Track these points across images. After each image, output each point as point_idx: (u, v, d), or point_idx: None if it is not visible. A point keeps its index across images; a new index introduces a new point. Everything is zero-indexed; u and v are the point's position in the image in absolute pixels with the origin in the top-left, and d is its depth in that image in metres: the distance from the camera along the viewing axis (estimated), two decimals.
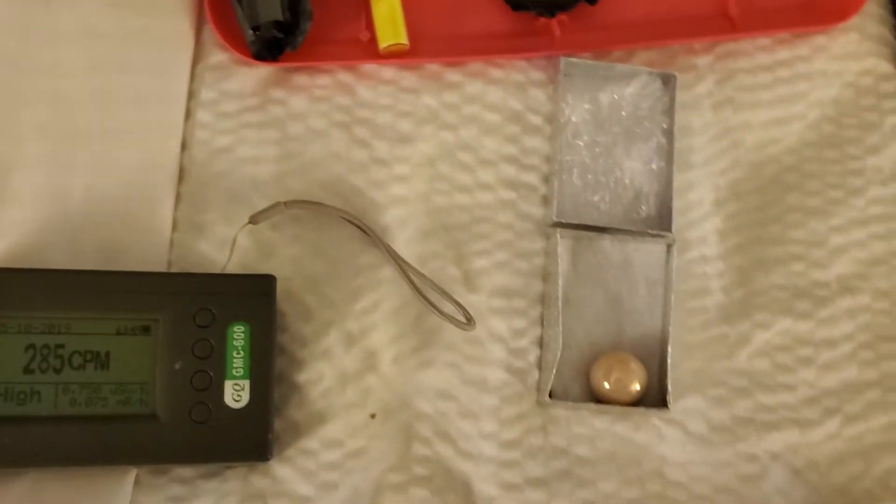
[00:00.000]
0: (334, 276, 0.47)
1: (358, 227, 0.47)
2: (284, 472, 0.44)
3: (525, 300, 0.48)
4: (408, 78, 0.50)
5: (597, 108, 0.49)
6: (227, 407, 0.41)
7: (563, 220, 0.48)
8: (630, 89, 0.49)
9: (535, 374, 0.47)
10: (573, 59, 0.49)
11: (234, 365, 0.42)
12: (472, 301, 0.47)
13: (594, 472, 0.46)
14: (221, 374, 0.42)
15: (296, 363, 0.46)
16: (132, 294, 0.41)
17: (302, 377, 0.45)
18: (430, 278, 0.46)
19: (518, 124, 0.50)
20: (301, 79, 0.50)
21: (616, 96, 0.49)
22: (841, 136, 0.53)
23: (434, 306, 0.45)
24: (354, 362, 0.46)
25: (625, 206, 0.48)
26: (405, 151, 0.49)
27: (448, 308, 0.46)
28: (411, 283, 0.45)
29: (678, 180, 0.50)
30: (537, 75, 0.51)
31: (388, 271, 0.47)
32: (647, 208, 0.48)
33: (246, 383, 0.42)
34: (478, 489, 0.45)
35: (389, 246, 0.47)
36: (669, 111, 0.50)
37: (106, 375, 0.40)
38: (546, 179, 0.50)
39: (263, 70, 0.50)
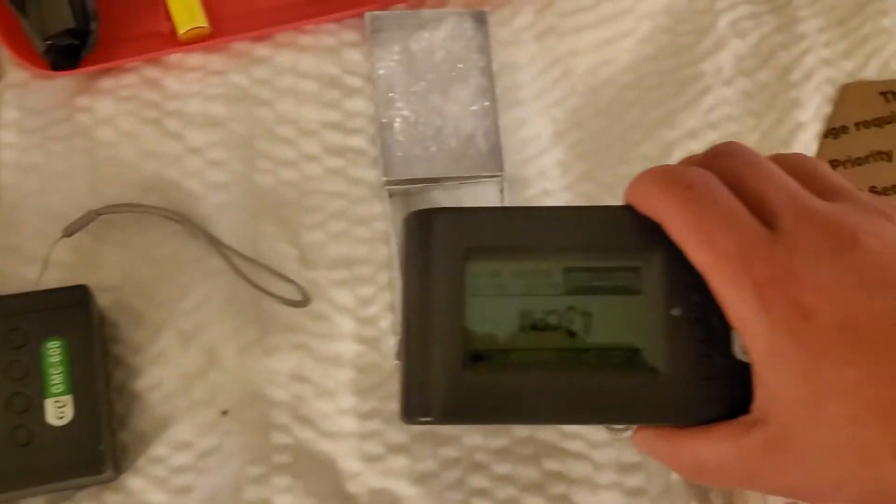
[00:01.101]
0: (162, 276, 0.45)
1: (178, 221, 0.45)
2: (136, 483, 0.42)
3: (370, 267, 0.46)
4: (215, 61, 0.49)
5: (409, 57, 0.47)
6: (50, 426, 0.40)
7: (393, 178, 0.46)
8: (441, 33, 0.48)
9: (390, 340, 0.45)
10: (377, 13, 0.48)
11: (53, 382, 0.40)
12: (311, 277, 0.46)
13: (457, 427, 0.44)
14: (40, 394, 0.40)
15: (133, 371, 0.44)
16: None
17: (141, 384, 0.44)
18: (260, 261, 0.45)
19: (337, 89, 0.49)
20: (107, 82, 0.48)
21: (426, 43, 0.47)
22: (677, 43, 0.51)
23: (263, 289, 0.43)
24: (195, 361, 0.44)
25: (454, 152, 0.47)
26: (219, 135, 0.47)
27: (284, 288, 0.44)
28: (235, 268, 0.44)
29: (509, 118, 0.48)
30: (350, 36, 0.49)
31: (216, 262, 0.45)
32: (476, 151, 0.47)
33: (69, 399, 0.40)
34: (342, 467, 0.43)
35: (211, 234, 0.45)
36: (485, 49, 0.48)
37: None
38: (374, 141, 0.48)
39: (65, 80, 0.48)
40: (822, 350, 0.25)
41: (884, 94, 0.51)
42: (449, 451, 0.43)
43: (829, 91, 0.51)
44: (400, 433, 0.44)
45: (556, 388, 0.29)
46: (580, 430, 0.44)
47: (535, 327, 0.30)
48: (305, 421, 0.44)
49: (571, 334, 0.30)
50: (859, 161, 0.50)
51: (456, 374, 0.29)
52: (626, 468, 0.43)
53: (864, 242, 0.25)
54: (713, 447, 0.28)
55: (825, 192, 0.28)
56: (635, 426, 0.31)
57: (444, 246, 0.30)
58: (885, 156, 0.50)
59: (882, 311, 0.24)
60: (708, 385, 0.29)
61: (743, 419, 0.27)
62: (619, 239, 0.30)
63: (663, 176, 0.28)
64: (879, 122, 0.50)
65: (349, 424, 0.44)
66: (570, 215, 0.31)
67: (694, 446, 0.28)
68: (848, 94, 0.51)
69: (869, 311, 0.25)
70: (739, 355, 0.29)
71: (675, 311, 0.29)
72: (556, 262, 0.30)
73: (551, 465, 0.43)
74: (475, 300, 0.30)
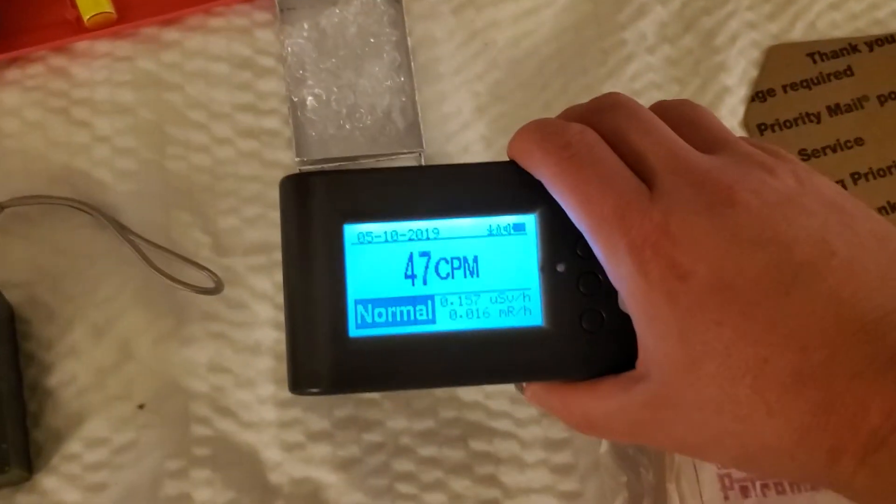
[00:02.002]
0: (72, 269, 0.44)
1: (87, 212, 0.44)
2: (50, 483, 0.41)
3: None
4: (123, 47, 0.47)
5: (319, 34, 0.46)
6: None
7: (307, 159, 0.45)
8: (352, 8, 0.46)
9: None
10: None
11: None
12: (227, 264, 0.44)
13: (381, 411, 0.43)
14: None
15: (45, 368, 0.43)
16: None
17: (53, 380, 0.42)
18: (172, 249, 0.43)
19: (249, 70, 0.47)
20: (12, 73, 0.47)
21: (337, 19, 0.46)
22: (598, 12, 0.50)
23: (172, 278, 0.42)
24: (108, 354, 0.43)
25: (369, 130, 0.45)
26: (128, 122, 0.46)
27: (198, 276, 0.43)
28: (145, 258, 0.42)
29: (429, 94, 0.47)
30: (262, 16, 0.48)
31: (127, 253, 0.44)
32: (393, 128, 0.46)
33: None
34: (263, 457, 0.42)
35: (121, 224, 0.44)
36: (399, 23, 0.47)
37: None
38: (288, 122, 0.47)
39: None
40: (696, 310, 0.24)
41: (810, 55, 0.50)
42: (373, 436, 0.42)
43: (755, 54, 0.50)
44: (322, 420, 0.43)
45: (443, 348, 0.29)
46: (507, 408, 0.43)
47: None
48: (225, 412, 0.43)
49: None
50: (788, 124, 0.49)
51: (341, 341, 0.29)
52: (553, 444, 0.42)
53: (740, 199, 0.25)
54: (600, 402, 0.27)
55: (707, 143, 0.27)
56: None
57: (322, 210, 0.29)
58: (813, 117, 0.49)
59: (753, 269, 0.24)
60: (594, 340, 0.29)
61: (628, 374, 0.27)
62: (502, 195, 0.29)
63: (542, 133, 0.27)
64: (808, 84, 0.50)
65: (269, 413, 0.43)
66: (452, 172, 0.30)
67: (582, 401, 0.28)
68: (774, 56, 0.50)
69: (741, 270, 0.24)
70: (625, 309, 0.28)
71: (560, 268, 0.29)
72: (439, 220, 0.29)
73: (478, 445, 0.42)
74: (356, 263, 0.29)
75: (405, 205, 0.29)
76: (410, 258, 0.29)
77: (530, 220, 0.29)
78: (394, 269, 0.29)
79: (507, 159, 0.29)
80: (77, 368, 0.43)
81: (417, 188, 0.30)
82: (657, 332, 0.25)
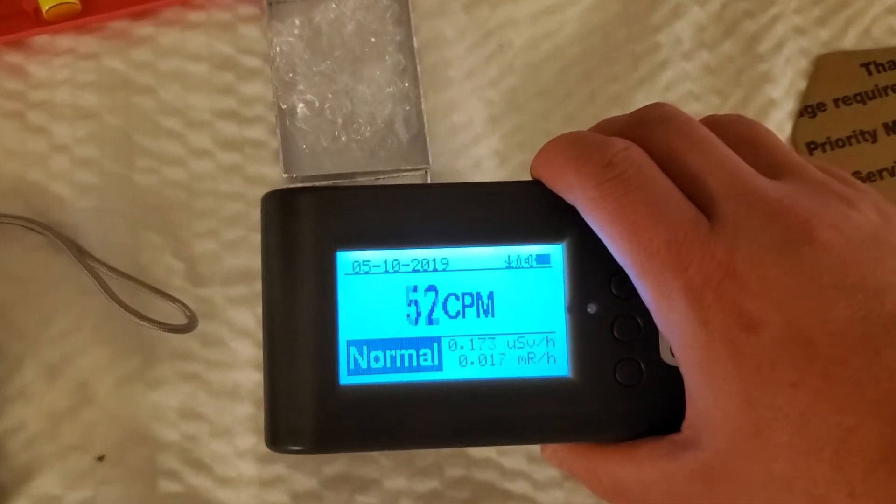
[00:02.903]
0: (23, 298, 0.38)
1: (41, 233, 0.38)
2: None
3: None
4: (87, 43, 0.42)
5: (312, 31, 0.41)
6: None
7: (296, 175, 0.39)
8: (351, 3, 0.41)
9: None
10: None
11: None
12: (203, 295, 0.39)
13: (377, 468, 0.37)
14: None
15: None
16: None
17: None
18: (137, 278, 0.38)
19: (231, 71, 0.42)
20: None
21: (333, 15, 0.40)
22: (629, 11, 0.44)
23: (137, 312, 0.36)
24: (63, 397, 0.37)
25: (368, 142, 0.40)
26: (90, 129, 0.40)
27: (168, 310, 0.37)
28: (105, 287, 0.37)
29: (435, 102, 0.42)
30: (247, 10, 0.42)
31: (87, 280, 0.38)
32: (395, 141, 0.40)
33: None
34: None
35: (80, 247, 0.38)
36: (404, 20, 0.41)
37: None
38: (275, 131, 0.41)
39: None
40: (767, 368, 0.21)
41: (865, 65, 0.45)
42: (368, 499, 0.37)
43: (803, 64, 0.44)
44: (309, 479, 0.37)
45: (450, 401, 0.25)
46: (524, 467, 0.38)
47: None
48: (198, 465, 0.37)
49: None
50: (840, 143, 0.43)
51: (330, 389, 0.24)
52: None
53: (819, 236, 0.21)
54: (636, 469, 0.24)
55: (773, 167, 0.23)
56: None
57: (311, 233, 0.25)
58: (868, 136, 0.44)
59: (837, 321, 0.20)
60: (630, 395, 0.25)
61: (672, 438, 0.23)
62: (523, 221, 0.25)
63: (578, 149, 0.23)
64: (862, 98, 0.44)
65: (249, 469, 0.37)
66: (465, 192, 0.26)
67: (614, 467, 0.24)
68: (824, 66, 0.44)
69: (822, 322, 0.20)
70: (669, 360, 0.25)
71: (591, 308, 0.25)
72: (449, 248, 0.25)
73: None
74: (349, 297, 0.25)
75: (409, 229, 0.25)
76: (414, 292, 0.25)
77: (557, 252, 0.25)
78: (394, 306, 0.25)
79: (530, 178, 0.25)
80: (27, 414, 0.37)
81: (424, 210, 0.25)
82: (715, 392, 0.21)
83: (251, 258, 0.39)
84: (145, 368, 0.38)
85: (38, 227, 0.38)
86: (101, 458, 0.37)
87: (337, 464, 0.37)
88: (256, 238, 0.39)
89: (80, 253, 0.38)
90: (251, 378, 0.38)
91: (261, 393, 0.37)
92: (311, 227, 0.25)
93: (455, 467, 0.37)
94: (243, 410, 0.38)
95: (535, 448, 0.38)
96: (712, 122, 0.25)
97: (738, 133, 0.24)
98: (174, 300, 0.37)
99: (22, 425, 0.37)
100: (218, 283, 0.39)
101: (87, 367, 0.38)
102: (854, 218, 0.22)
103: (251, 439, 0.38)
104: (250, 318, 0.39)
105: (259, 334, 0.38)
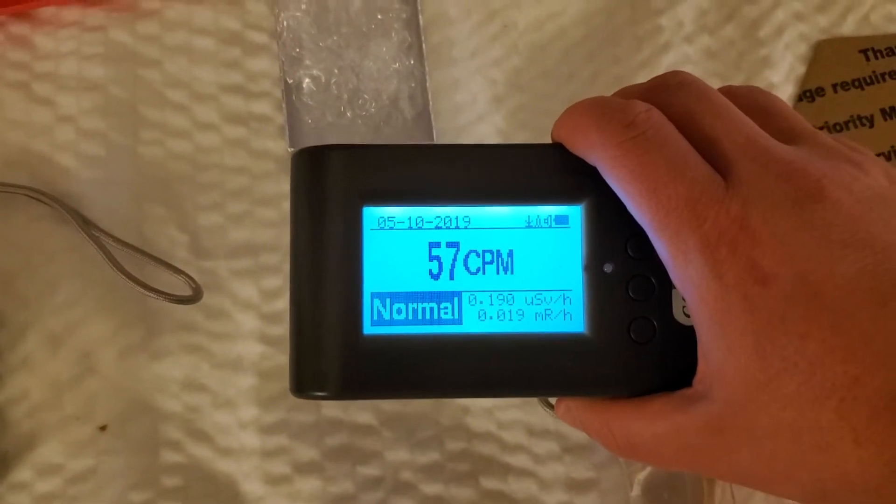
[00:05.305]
0: (27, 268, 0.38)
1: (46, 203, 0.38)
2: None
3: (277, 254, 0.40)
4: (94, 15, 0.41)
5: (319, 8, 0.41)
6: None
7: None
8: None
9: None
10: None
11: None
12: (207, 267, 0.39)
13: (379, 440, 0.37)
14: None
15: None
16: None
17: (1, 397, 0.37)
18: (142, 248, 0.38)
19: (238, 46, 0.42)
20: None
21: None
22: None
23: (142, 283, 0.36)
24: (66, 367, 0.37)
25: (374, 118, 0.40)
26: (96, 101, 0.40)
27: (172, 281, 0.37)
28: (110, 257, 0.37)
29: (440, 79, 0.42)
30: None
31: (91, 250, 0.38)
32: (400, 118, 0.40)
33: None
34: (243, 490, 0.37)
35: (84, 217, 0.38)
36: None
37: None
38: (281, 106, 0.41)
39: None
40: (777, 320, 0.21)
41: (863, 51, 0.45)
42: (369, 470, 0.37)
43: (803, 49, 0.45)
44: (311, 449, 0.37)
45: (469, 352, 0.25)
46: (524, 440, 0.38)
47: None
48: (200, 436, 0.38)
49: None
50: (838, 127, 0.44)
51: (354, 338, 0.25)
52: (576, 485, 0.37)
53: (830, 194, 0.22)
54: (648, 423, 0.24)
55: (785, 133, 0.24)
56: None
57: (339, 188, 0.25)
58: (866, 121, 0.44)
59: (845, 275, 0.21)
60: (643, 351, 0.25)
61: (683, 393, 0.24)
62: (544, 182, 0.26)
63: (601, 111, 0.24)
64: (860, 83, 0.45)
65: (251, 440, 0.37)
66: (488, 154, 0.26)
67: (626, 421, 0.25)
68: (823, 52, 0.45)
69: (831, 275, 0.21)
70: (681, 319, 0.25)
71: (608, 268, 0.26)
72: (471, 206, 0.26)
73: (490, 483, 0.37)
74: (374, 251, 0.26)
75: (433, 187, 0.26)
76: (437, 248, 0.26)
77: (575, 212, 0.26)
78: (417, 260, 0.26)
79: (551, 141, 0.26)
80: (30, 383, 0.37)
81: (448, 170, 0.26)
82: (728, 344, 0.22)
83: (256, 231, 0.40)
84: (148, 339, 0.38)
85: (42, 196, 0.38)
86: (103, 428, 0.37)
87: (338, 435, 0.37)
88: (261, 211, 0.40)
89: (85, 223, 0.38)
90: (254, 350, 0.38)
91: (263, 365, 0.38)
92: (339, 183, 0.25)
93: (456, 440, 0.38)
94: (246, 382, 0.38)
95: (536, 422, 0.38)
96: (728, 91, 0.25)
97: (753, 101, 0.25)
98: (179, 271, 0.37)
99: (24, 394, 0.37)
100: (222, 255, 0.39)
101: (90, 337, 0.38)
102: (863, 180, 0.22)
103: (253, 410, 0.38)
104: (254, 290, 0.39)
105: (262, 307, 0.39)
